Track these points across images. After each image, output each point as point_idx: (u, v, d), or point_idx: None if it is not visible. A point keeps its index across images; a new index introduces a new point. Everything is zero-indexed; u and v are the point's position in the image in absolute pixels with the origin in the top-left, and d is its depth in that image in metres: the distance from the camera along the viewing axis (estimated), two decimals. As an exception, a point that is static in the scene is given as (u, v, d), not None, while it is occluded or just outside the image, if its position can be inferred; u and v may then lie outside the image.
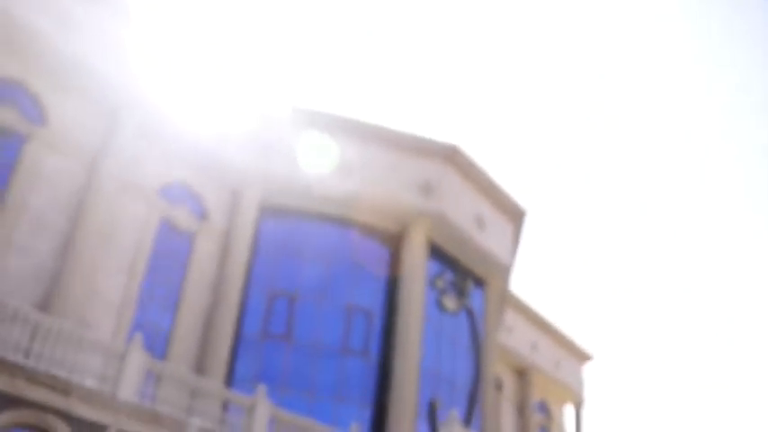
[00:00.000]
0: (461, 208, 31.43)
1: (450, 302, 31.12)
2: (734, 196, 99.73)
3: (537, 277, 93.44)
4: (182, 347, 26.39)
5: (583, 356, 47.76)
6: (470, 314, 32.41)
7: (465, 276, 32.38)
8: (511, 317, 40.82)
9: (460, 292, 31.88)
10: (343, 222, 30.05)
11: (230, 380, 27.01)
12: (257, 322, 28.14)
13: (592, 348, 48.21)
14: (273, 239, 29.51)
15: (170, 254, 27.21)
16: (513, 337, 40.73)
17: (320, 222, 29.97)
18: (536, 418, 43.18)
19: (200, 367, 26.51)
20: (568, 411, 47.35)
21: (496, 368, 40.23)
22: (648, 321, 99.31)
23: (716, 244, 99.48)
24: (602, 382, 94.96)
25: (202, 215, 28.29)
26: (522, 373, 42.23)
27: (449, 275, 31.68)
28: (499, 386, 40.71)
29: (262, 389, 21.50)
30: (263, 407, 21.16)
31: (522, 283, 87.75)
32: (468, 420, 30.75)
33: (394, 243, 30.56)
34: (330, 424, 26.55)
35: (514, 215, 34.44)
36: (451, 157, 31.17)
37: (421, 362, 29.11)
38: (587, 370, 48.59)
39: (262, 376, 27.16)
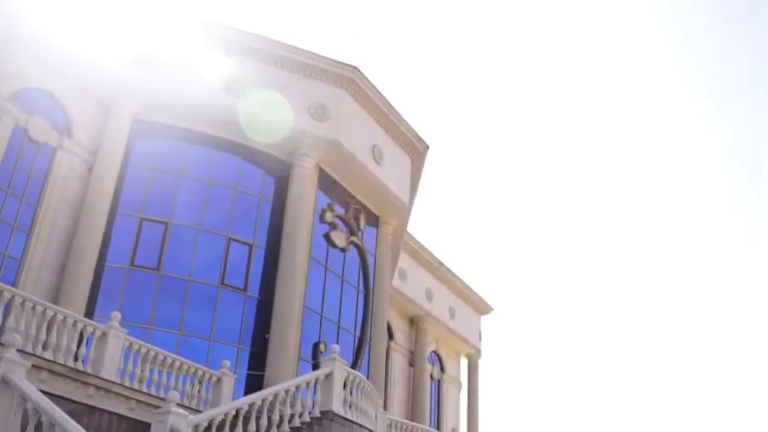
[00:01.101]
0: (358, 137, 29.01)
1: (339, 239, 28.76)
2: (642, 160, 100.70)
3: (439, 222, 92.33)
4: (36, 275, 23.19)
5: (482, 308, 46.36)
6: (362, 253, 30.17)
7: (358, 212, 30.03)
8: (407, 261, 38.81)
9: (352, 229, 29.55)
10: (225, 146, 27.17)
11: (91, 314, 24.00)
12: (124, 252, 25.14)
13: (493, 300, 46.83)
14: (147, 161, 26.43)
15: (25, 168, 23.85)
16: (407, 283, 38.79)
17: (200, 145, 27.00)
18: (428, 369, 41.56)
19: (56, 298, 23.36)
20: (463, 363, 45.94)
21: (389, 315, 38.24)
22: (556, 275, 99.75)
23: (624, 199, 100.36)
24: (503, 336, 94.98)
25: (65, 128, 24.94)
26: (416, 322, 40.41)
27: (340, 209, 29.28)
28: (391, 334, 38.78)
29: (115, 315, 18.77)
30: (116, 336, 18.42)
31: (422, 227, 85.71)
32: (354, 365, 28.64)
33: (281, 171, 27.87)
34: (203, 364, 23.75)
35: (416, 150, 32.25)
36: (351, 80, 28.66)
37: (305, 301, 26.72)
38: (486, 322, 47.19)
39: (126, 311, 24.17)
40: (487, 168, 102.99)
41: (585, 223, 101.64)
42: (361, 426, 18.39)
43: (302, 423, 16.43)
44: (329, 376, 17.57)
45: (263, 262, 26.83)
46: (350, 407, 18.29)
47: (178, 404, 15.34)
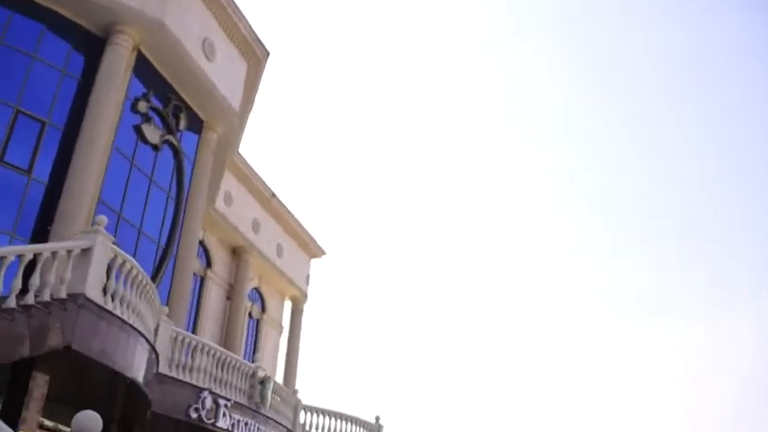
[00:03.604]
0: (188, 24, 25.65)
1: (153, 134, 25.34)
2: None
3: (280, 154, 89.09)
4: None
5: (313, 250, 43.84)
6: (178, 156, 26.86)
7: (179, 110, 26.66)
8: (234, 186, 35.68)
9: (169, 127, 26.17)
10: (27, 7, 23.21)
11: None
12: None
13: (326, 244, 44.36)
14: (-74, 6, 22.20)
15: None
16: (233, 209, 35.64)
17: (-1, 0, 22.96)
18: (247, 306, 38.71)
19: None
20: (287, 307, 43.31)
21: (209, 241, 35.18)
22: (393, 225, 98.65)
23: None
24: (333, 281, 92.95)
25: None
26: (239, 254, 37.36)
27: (157, 103, 25.83)
28: (209, 262, 35.66)
29: None
30: None
31: (259, 153, 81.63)
32: (154, 278, 25.42)
33: (93, 47, 24.17)
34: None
35: (254, 55, 29.13)
36: (186, -42, 25.31)
37: (101, 194, 23.23)
38: (317, 266, 44.77)
39: None
40: (340, 107, 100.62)
41: (431, 175, 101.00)
42: (124, 322, 15.32)
43: (38, 302, 13.20)
44: (87, 252, 14.33)
45: (58, 145, 23.14)
46: (113, 298, 15.19)
47: None
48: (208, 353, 21.65)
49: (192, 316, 34.59)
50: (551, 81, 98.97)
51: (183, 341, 20.71)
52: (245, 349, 39.42)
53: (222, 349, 22.74)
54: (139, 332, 16.19)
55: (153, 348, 17.63)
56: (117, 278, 15.37)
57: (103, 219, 14.91)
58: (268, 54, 29.32)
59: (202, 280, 35.43)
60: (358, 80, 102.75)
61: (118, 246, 22.43)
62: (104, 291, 14.92)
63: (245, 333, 39.01)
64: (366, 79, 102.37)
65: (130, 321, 15.64)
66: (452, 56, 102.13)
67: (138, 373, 16.29)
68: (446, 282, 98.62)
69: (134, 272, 15.97)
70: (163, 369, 19.62)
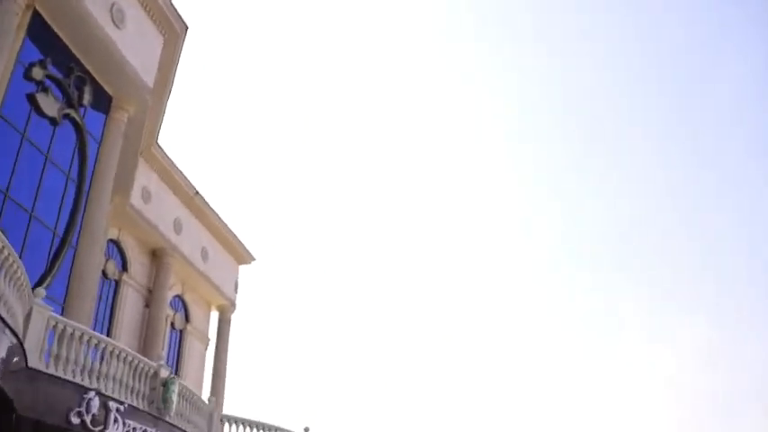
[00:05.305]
0: (92, -13, 22.95)
1: (50, 106, 22.46)
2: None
3: (205, 149, 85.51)
4: None
5: (241, 256, 40.92)
6: (81, 133, 23.97)
7: (82, 82, 23.83)
8: (153, 181, 32.72)
9: (70, 99, 23.30)
10: None
11: None
12: None
13: (255, 248, 41.50)
14: None
15: None
16: (152, 206, 32.63)
17: None
18: (169, 315, 35.53)
19: None
20: (214, 317, 40.19)
21: (124, 241, 32.14)
22: (327, 228, 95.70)
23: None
24: (264, 289, 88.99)
25: None
26: (159, 257, 34.25)
27: (56, 71, 22.96)
28: (125, 265, 32.53)
29: None
30: None
31: (182, 150, 77.23)
32: (48, 272, 22.41)
33: (-20, 5, 21.30)
34: None
35: (171, 29, 26.53)
36: None
37: (-16, 171, 20.27)
38: (245, 272, 41.85)
39: None
40: (271, 104, 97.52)
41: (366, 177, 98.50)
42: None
43: None
44: None
45: (-66, 113, 20.19)
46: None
47: None
48: (97, 346, 18.53)
49: (105, 324, 31.39)
50: (505, 74, 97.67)
51: (64, 331, 17.58)
52: (168, 363, 36.18)
53: (116, 343, 19.63)
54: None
55: (14, 334, 14.61)
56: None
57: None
58: (187, 28, 26.76)
59: (117, 284, 32.26)
60: (291, 75, 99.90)
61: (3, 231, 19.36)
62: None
63: (166, 345, 35.80)
64: (297, 72, 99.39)
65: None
66: (391, 45, 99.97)
67: (-16, 362, 13.27)
68: (383, 286, 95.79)
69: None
70: (35, 364, 16.45)
